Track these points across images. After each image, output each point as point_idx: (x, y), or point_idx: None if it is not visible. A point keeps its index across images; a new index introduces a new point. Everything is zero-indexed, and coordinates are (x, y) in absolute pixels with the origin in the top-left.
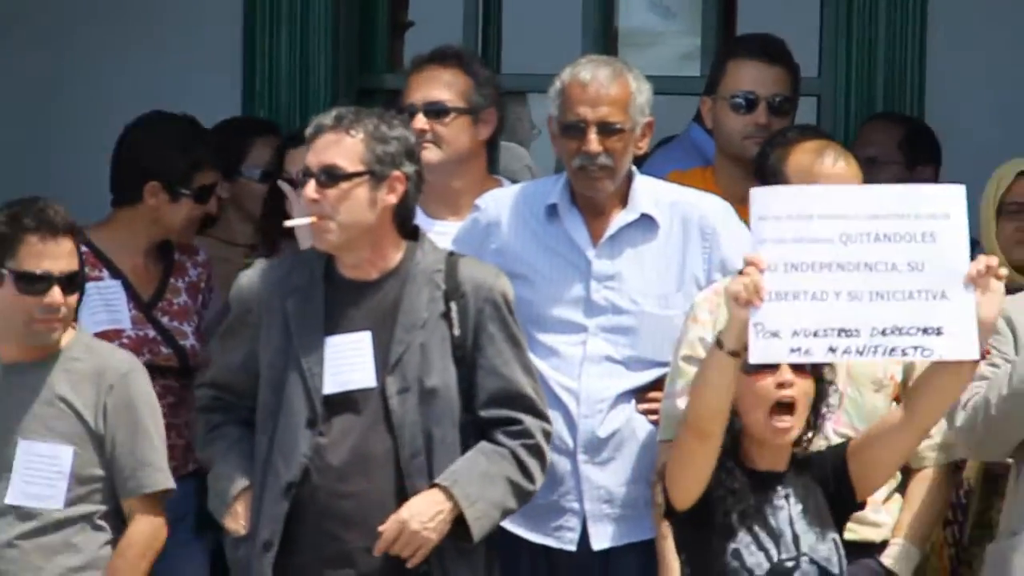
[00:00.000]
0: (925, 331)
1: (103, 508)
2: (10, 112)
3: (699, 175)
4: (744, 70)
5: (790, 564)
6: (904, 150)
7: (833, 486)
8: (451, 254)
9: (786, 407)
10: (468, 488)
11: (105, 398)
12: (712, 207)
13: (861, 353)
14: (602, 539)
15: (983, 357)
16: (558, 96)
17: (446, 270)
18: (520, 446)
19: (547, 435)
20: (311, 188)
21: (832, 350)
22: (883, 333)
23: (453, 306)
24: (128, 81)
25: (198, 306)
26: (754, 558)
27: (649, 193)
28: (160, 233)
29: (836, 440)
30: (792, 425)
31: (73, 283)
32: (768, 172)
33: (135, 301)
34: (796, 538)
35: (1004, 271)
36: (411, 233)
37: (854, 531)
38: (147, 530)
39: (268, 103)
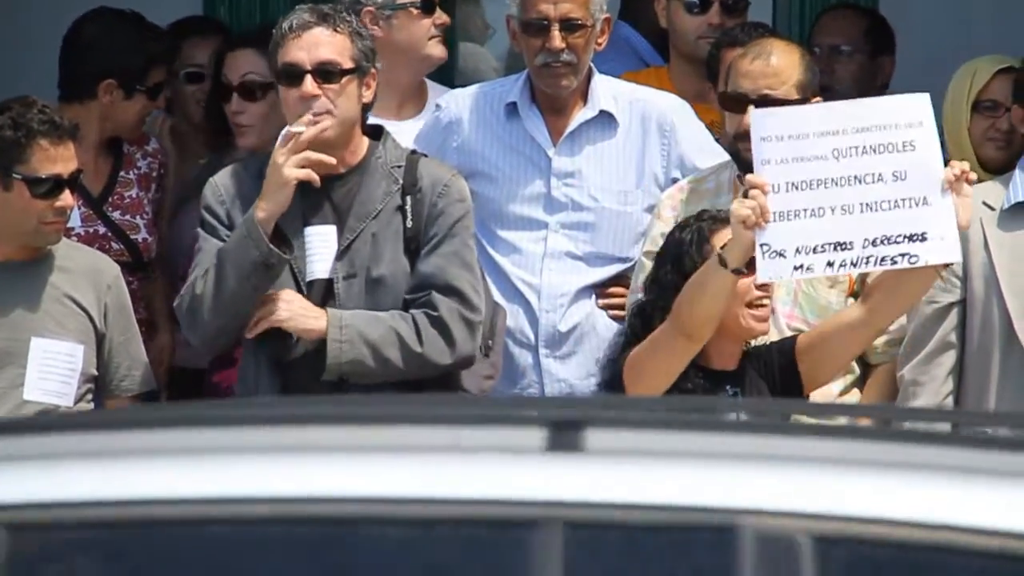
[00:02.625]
0: (911, 238)
1: (92, 407)
2: None
3: (654, 74)
4: None
5: None
6: (868, 39)
7: (780, 381)
8: (413, 152)
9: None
10: (346, 318)
11: (105, 298)
12: (670, 105)
13: (855, 265)
14: None
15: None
16: None
17: (406, 166)
18: (421, 314)
19: (463, 319)
20: (311, 84)
21: (830, 264)
22: (874, 243)
23: (408, 200)
24: None
25: (152, 196)
26: None
27: (608, 91)
28: (111, 130)
29: (789, 334)
30: (768, 315)
31: (75, 183)
32: (714, 72)
33: (84, 198)
34: None
35: (975, 175)
36: (372, 131)
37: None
38: None
39: (228, 3)
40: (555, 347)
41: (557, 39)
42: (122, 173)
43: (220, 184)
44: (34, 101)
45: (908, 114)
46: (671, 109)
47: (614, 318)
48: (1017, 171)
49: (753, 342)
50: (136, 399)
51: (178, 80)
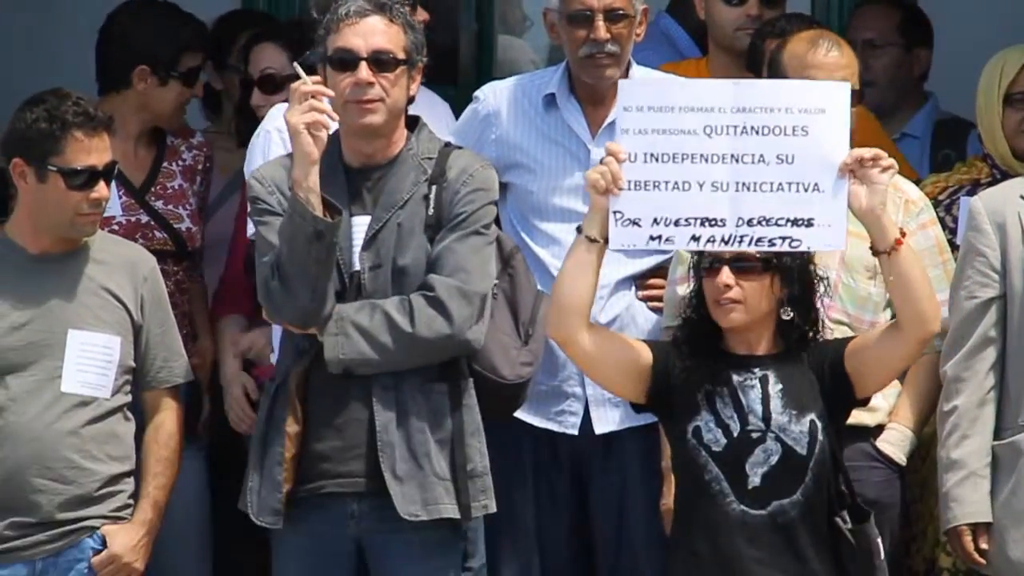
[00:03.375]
0: (795, 222)
1: (129, 399)
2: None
3: (692, 66)
4: None
5: (756, 436)
6: (902, 32)
7: (829, 380)
8: (447, 144)
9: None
10: (340, 310)
11: (141, 290)
12: None
13: (727, 242)
14: (604, 423)
15: (897, 245)
16: None
17: (437, 158)
18: (418, 296)
19: (463, 295)
20: (366, 71)
21: (695, 238)
22: (749, 223)
23: (434, 189)
24: None
25: (196, 188)
26: (712, 435)
27: None
28: (149, 118)
29: (830, 326)
30: (737, 313)
31: (111, 175)
32: (763, 63)
33: (126, 187)
34: (768, 416)
35: (890, 161)
36: (410, 122)
37: (849, 415)
38: (174, 417)
39: None
40: None
41: (602, 29)
42: (165, 164)
43: (267, 176)
44: (68, 93)
45: (809, 101)
46: None
47: (654, 309)
48: None
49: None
50: (174, 390)
51: (228, 73)
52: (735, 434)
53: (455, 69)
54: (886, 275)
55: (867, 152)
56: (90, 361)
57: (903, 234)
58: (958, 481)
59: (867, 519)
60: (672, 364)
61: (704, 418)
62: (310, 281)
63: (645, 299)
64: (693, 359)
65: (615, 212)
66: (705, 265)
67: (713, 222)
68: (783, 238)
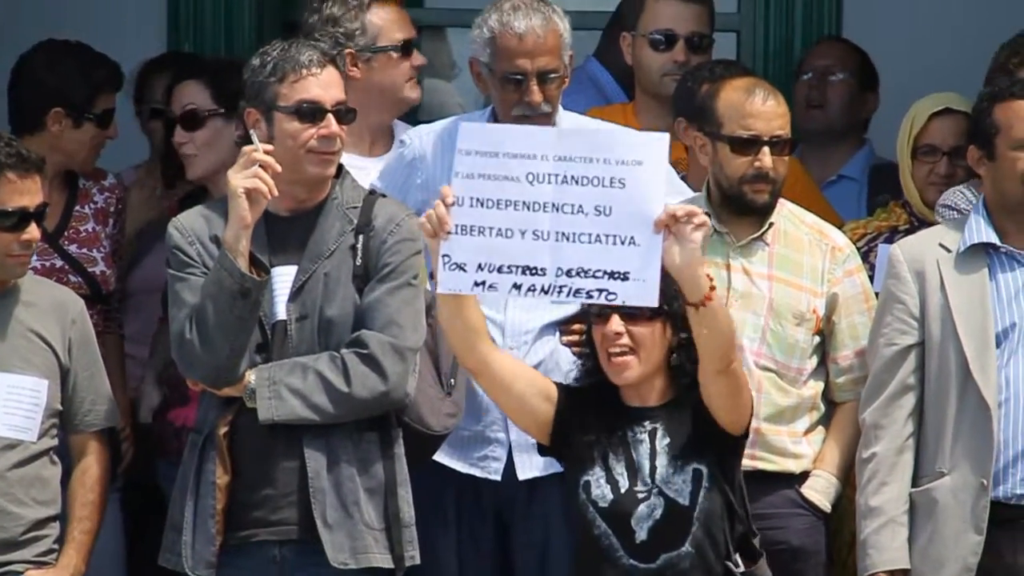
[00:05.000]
0: (611, 275)
1: (56, 443)
2: None
3: (619, 111)
4: (662, 8)
5: (641, 495)
6: (858, 72)
7: (698, 420)
8: (371, 192)
9: (621, 351)
10: (273, 372)
11: (69, 332)
12: None
13: (546, 292)
14: (527, 469)
15: (707, 299)
16: (488, 44)
17: (363, 207)
18: (351, 353)
19: (396, 352)
20: (335, 123)
21: (517, 286)
22: (568, 274)
23: (361, 238)
24: (68, 18)
25: (110, 231)
26: (600, 490)
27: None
28: (63, 161)
29: (757, 373)
30: (631, 370)
31: (42, 216)
32: (696, 108)
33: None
34: (653, 471)
35: (703, 219)
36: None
37: (773, 462)
38: (101, 461)
39: (192, 37)
40: None
41: (536, 93)
42: (77, 207)
43: (187, 226)
44: (0, 134)
45: (626, 152)
46: None
47: (577, 355)
48: (972, 213)
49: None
50: (100, 434)
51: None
52: (622, 490)
53: None
54: (696, 327)
55: (680, 209)
56: (17, 404)
57: (713, 288)
58: (876, 528)
59: (759, 559)
60: (573, 412)
61: (595, 473)
62: (229, 338)
63: (568, 344)
64: (588, 411)
65: (443, 256)
66: (595, 312)
67: (534, 271)
68: (600, 290)
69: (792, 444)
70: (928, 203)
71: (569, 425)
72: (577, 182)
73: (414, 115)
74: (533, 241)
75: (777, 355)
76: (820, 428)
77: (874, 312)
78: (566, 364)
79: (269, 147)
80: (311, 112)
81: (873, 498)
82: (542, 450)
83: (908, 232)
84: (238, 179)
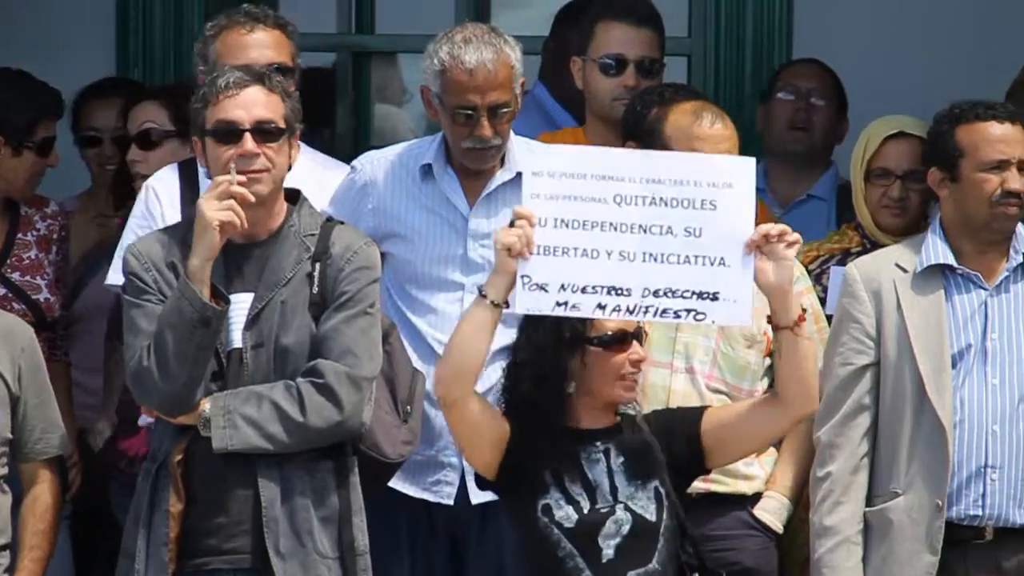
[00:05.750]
0: (701, 295)
1: (6, 471)
2: None
3: (570, 135)
4: (613, 32)
5: (604, 511)
6: (836, 94)
7: (683, 452)
8: (329, 219)
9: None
10: (228, 402)
11: (19, 360)
12: None
13: (632, 312)
14: (480, 493)
15: (799, 322)
16: (439, 77)
17: (320, 234)
18: (307, 382)
19: (352, 382)
20: (251, 142)
21: (601, 307)
22: (655, 294)
23: (318, 266)
24: (15, 45)
25: (53, 258)
26: (563, 511)
27: (525, 153)
28: (2, 189)
29: (709, 395)
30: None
31: None
32: (644, 131)
33: None
34: (614, 488)
35: (795, 236)
36: (289, 195)
37: (725, 483)
38: (52, 489)
39: (142, 64)
40: None
41: (487, 128)
42: (19, 235)
43: (144, 252)
44: None
45: (717, 175)
46: None
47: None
48: (929, 234)
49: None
50: (51, 462)
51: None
52: (585, 510)
53: (332, 138)
54: (782, 351)
55: (774, 228)
56: None
57: (804, 311)
58: (831, 548)
59: None
60: (524, 441)
61: (554, 496)
62: (187, 366)
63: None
64: (537, 437)
65: (523, 276)
66: (605, 339)
67: (619, 291)
68: (688, 311)
69: (744, 466)
70: (880, 226)
71: (520, 455)
72: (667, 204)
73: (366, 141)
74: (619, 262)
75: (728, 377)
76: (772, 449)
77: (824, 332)
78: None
79: (242, 178)
80: (226, 132)
81: (828, 517)
82: (482, 484)
83: (860, 254)
84: (213, 211)
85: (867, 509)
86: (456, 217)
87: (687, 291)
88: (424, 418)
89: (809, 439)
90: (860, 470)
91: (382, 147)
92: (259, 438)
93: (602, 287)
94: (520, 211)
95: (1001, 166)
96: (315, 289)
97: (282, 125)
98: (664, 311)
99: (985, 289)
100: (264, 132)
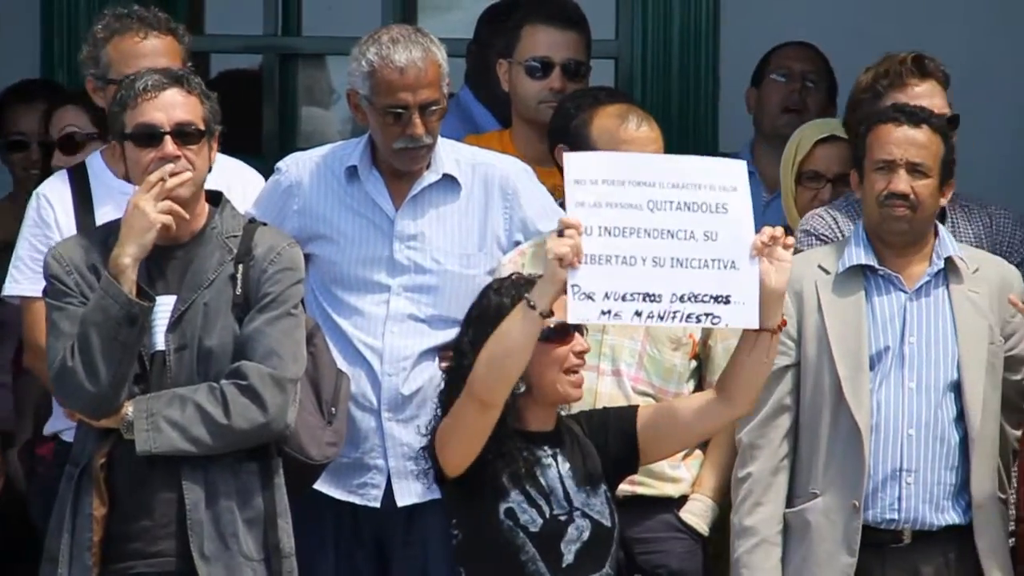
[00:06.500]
0: (716, 299)
1: None
2: None
3: (496, 138)
4: (539, 35)
5: (563, 518)
6: (830, 82)
7: (615, 448)
8: (251, 221)
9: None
10: (151, 404)
11: None
12: (513, 168)
13: (662, 318)
14: (406, 496)
15: (781, 326)
16: (368, 78)
17: (242, 236)
18: (231, 384)
19: (276, 383)
20: (172, 145)
21: (638, 314)
22: (681, 299)
23: (240, 268)
24: None
25: None
26: (527, 515)
27: (451, 155)
28: None
29: (635, 398)
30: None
31: None
32: (571, 134)
33: None
34: (567, 494)
35: (791, 240)
36: (211, 197)
37: (652, 486)
38: None
39: (67, 68)
40: (398, 411)
41: (419, 127)
42: None
43: (65, 255)
44: None
45: (724, 177)
46: (513, 173)
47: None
48: (852, 236)
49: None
50: None
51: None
52: (547, 515)
53: (259, 140)
54: (752, 353)
55: (778, 231)
56: None
57: (784, 320)
58: (750, 548)
59: None
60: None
61: (516, 499)
62: (112, 366)
63: (447, 370)
64: (495, 439)
65: (573, 286)
66: (546, 332)
67: (652, 297)
68: (706, 314)
69: (670, 468)
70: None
71: (484, 456)
72: (689, 208)
73: (293, 142)
74: (653, 268)
75: (654, 380)
76: (698, 452)
77: None
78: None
79: (185, 176)
80: (146, 136)
81: (747, 518)
82: (442, 480)
83: None
84: (152, 211)
85: (787, 510)
86: (382, 219)
87: (706, 295)
88: (350, 420)
89: (733, 442)
90: (780, 471)
91: (308, 149)
92: (183, 441)
93: (639, 294)
94: (568, 221)
95: (889, 167)
96: (238, 291)
97: (202, 127)
98: (688, 315)
99: (905, 292)
100: (184, 135)
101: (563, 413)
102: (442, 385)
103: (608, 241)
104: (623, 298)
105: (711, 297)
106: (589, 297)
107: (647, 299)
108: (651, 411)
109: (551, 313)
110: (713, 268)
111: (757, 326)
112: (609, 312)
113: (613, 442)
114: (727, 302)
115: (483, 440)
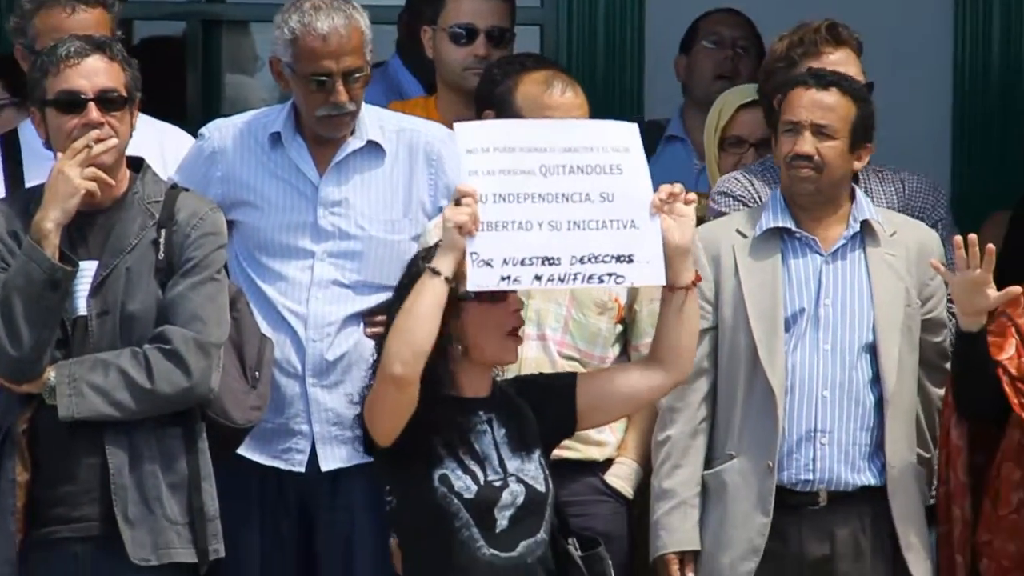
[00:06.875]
0: (618, 259)
1: None
2: None
3: (421, 104)
4: (463, 2)
5: (498, 484)
6: (759, 48)
7: (553, 414)
8: (173, 187)
9: (515, 331)
10: (74, 369)
11: None
12: (437, 134)
13: (563, 280)
14: (330, 460)
15: (695, 282)
16: (291, 45)
17: (164, 201)
18: (154, 349)
19: (199, 347)
20: (96, 112)
21: (538, 278)
22: (581, 261)
23: (163, 233)
24: None
25: None
26: (461, 482)
27: (375, 121)
28: None
29: (561, 362)
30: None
31: None
32: (496, 100)
33: None
34: (502, 460)
35: (692, 195)
36: (132, 163)
37: (577, 450)
38: None
39: None
40: (322, 376)
41: (342, 94)
42: None
43: None
44: None
45: (616, 139)
46: (438, 139)
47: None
48: (770, 199)
49: (510, 370)
50: None
51: None
52: (481, 481)
53: (183, 107)
54: (671, 313)
55: (677, 187)
56: None
57: (698, 275)
58: (668, 510)
59: (597, 546)
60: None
61: (449, 465)
62: (35, 331)
63: (372, 336)
64: (428, 406)
65: (472, 253)
66: (479, 294)
67: (551, 261)
68: (609, 274)
69: (596, 432)
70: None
71: (413, 424)
72: (583, 171)
73: (217, 108)
74: (549, 232)
75: (580, 344)
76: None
77: None
78: (369, 356)
79: (111, 143)
80: (69, 103)
81: (666, 480)
82: (374, 448)
83: None
84: (77, 177)
85: (705, 472)
86: (306, 185)
87: (607, 255)
88: (274, 385)
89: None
90: (699, 434)
91: (231, 115)
92: (106, 405)
93: (537, 258)
94: (464, 189)
95: (795, 128)
96: (161, 256)
97: (124, 94)
98: (591, 277)
99: (821, 255)
100: (107, 101)
101: (498, 379)
102: (375, 355)
103: (504, 208)
104: (522, 263)
105: (612, 257)
106: (488, 264)
107: (546, 263)
108: (590, 378)
109: (456, 280)
110: (612, 228)
111: (664, 282)
112: (508, 277)
113: (551, 408)
114: (630, 261)
115: (407, 414)
